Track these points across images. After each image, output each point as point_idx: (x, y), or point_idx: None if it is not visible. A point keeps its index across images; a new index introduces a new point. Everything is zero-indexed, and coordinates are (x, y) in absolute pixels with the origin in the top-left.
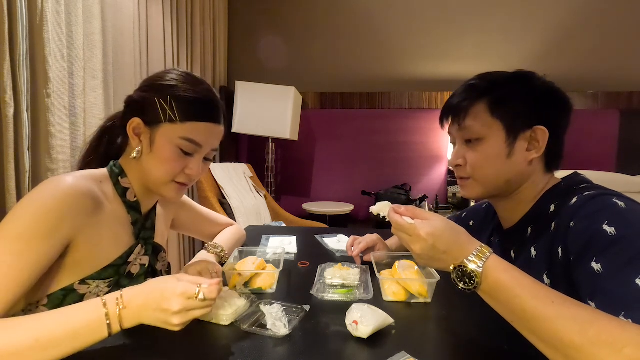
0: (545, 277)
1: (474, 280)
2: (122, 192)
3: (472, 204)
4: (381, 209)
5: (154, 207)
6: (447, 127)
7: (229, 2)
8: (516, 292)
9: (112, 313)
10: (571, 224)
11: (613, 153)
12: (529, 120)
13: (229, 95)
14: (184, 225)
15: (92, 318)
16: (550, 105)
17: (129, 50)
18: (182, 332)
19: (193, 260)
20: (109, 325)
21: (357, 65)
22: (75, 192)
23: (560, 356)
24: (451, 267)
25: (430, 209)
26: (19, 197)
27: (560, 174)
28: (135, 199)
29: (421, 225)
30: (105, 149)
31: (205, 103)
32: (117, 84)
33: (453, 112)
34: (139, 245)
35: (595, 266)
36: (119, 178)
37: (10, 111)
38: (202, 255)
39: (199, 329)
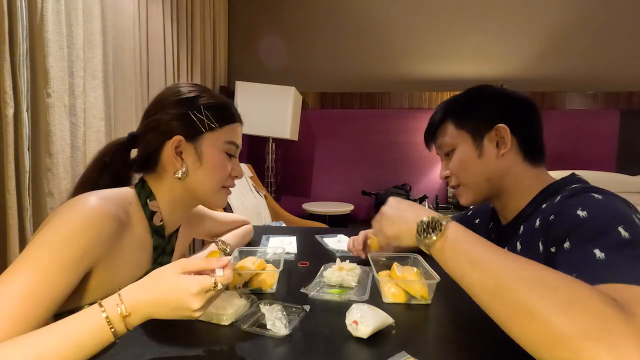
0: None
1: (437, 229)
2: (149, 215)
3: None
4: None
5: (176, 231)
6: (433, 149)
7: (229, 2)
8: (475, 240)
9: (114, 320)
10: (551, 218)
11: (613, 153)
12: (489, 122)
13: (229, 95)
14: (203, 234)
15: (94, 326)
16: (505, 105)
17: (129, 50)
18: (181, 332)
19: (202, 252)
20: (113, 332)
21: (357, 65)
22: (101, 218)
23: (500, 304)
24: (418, 220)
25: (430, 209)
26: (19, 197)
27: (560, 175)
28: (161, 223)
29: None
30: (107, 182)
31: (229, 106)
32: (117, 84)
33: (429, 136)
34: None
35: (566, 244)
36: (148, 200)
37: (10, 111)
38: (212, 248)
39: (199, 329)
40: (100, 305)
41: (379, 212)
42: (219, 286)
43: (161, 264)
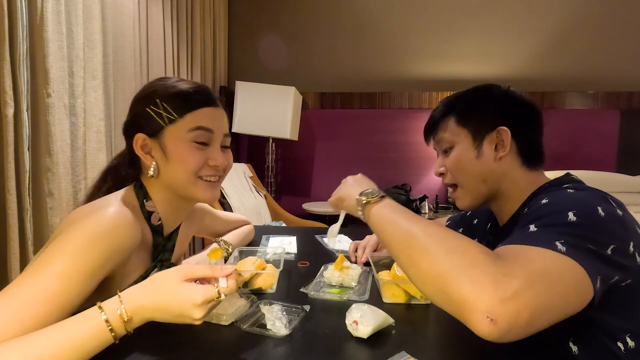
0: None
1: (373, 196)
2: (147, 215)
3: None
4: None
5: (177, 228)
6: (431, 144)
7: (229, 2)
8: (399, 209)
9: (115, 324)
10: (525, 211)
11: (613, 153)
12: (491, 123)
13: (229, 95)
14: (205, 231)
15: (94, 328)
16: (509, 108)
17: (129, 50)
18: (182, 332)
19: (204, 252)
20: (113, 335)
21: (357, 65)
22: (123, 227)
23: (405, 249)
24: (361, 191)
25: (430, 209)
26: (19, 197)
27: (556, 175)
28: (159, 222)
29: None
30: (107, 189)
31: (194, 91)
32: (117, 84)
33: (429, 129)
34: (155, 269)
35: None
36: (144, 201)
37: (10, 111)
38: (214, 247)
39: (199, 329)
40: (100, 308)
41: (344, 179)
42: (222, 297)
43: (162, 261)
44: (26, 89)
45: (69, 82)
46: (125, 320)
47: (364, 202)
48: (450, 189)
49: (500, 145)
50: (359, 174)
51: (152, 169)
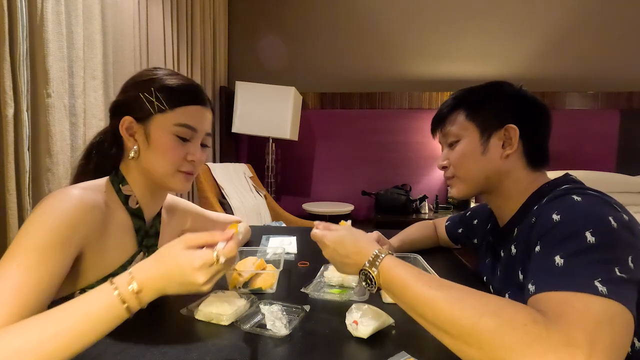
0: (519, 272)
1: (373, 281)
2: (124, 199)
3: (472, 204)
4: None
5: (159, 214)
6: (437, 137)
7: (229, 2)
8: (405, 283)
9: (127, 297)
10: (532, 221)
11: (613, 153)
12: (500, 120)
13: (229, 95)
14: (191, 231)
15: (108, 303)
16: (519, 107)
17: (129, 50)
18: (182, 332)
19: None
20: (127, 308)
21: (357, 65)
22: (83, 205)
23: (442, 334)
24: (359, 273)
25: (430, 209)
26: (19, 197)
27: (555, 175)
28: (137, 205)
29: (328, 234)
30: (95, 164)
31: (188, 87)
32: (117, 84)
33: (437, 122)
34: (141, 253)
35: (537, 248)
36: (120, 185)
37: (10, 111)
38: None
39: (199, 329)
40: (112, 283)
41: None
42: (221, 259)
43: (147, 247)
44: (26, 89)
45: (69, 82)
46: (136, 292)
47: (375, 291)
48: (447, 180)
49: (508, 143)
50: (334, 247)
51: (133, 151)
